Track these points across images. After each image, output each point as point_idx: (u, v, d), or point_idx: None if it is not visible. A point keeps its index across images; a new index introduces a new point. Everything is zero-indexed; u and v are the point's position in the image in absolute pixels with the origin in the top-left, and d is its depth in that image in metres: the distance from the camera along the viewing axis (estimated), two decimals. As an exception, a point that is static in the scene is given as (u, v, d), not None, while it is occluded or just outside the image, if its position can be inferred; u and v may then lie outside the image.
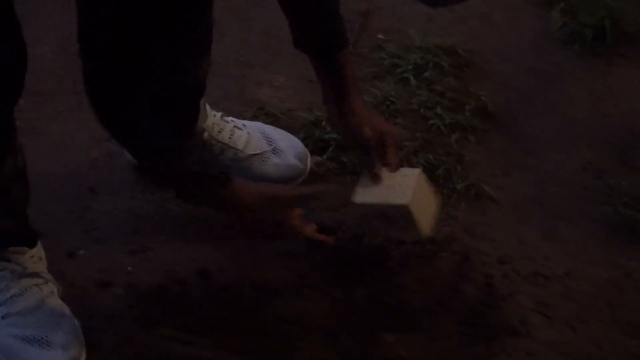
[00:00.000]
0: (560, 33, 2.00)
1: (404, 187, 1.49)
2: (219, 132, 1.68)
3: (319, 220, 1.66)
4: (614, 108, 1.88)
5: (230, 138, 1.68)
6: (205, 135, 1.66)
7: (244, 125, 1.72)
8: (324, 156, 1.77)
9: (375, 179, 1.51)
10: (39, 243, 1.50)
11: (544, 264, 1.62)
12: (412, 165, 1.72)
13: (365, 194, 1.51)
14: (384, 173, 1.52)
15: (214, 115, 1.69)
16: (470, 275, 1.60)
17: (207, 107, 1.67)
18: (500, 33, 2.03)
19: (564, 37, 2.00)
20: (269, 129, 1.74)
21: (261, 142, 1.70)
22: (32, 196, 1.45)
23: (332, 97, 1.54)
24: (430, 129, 1.81)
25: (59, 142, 1.76)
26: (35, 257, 1.49)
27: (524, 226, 1.68)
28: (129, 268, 1.60)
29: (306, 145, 1.74)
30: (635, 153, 1.79)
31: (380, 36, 2.01)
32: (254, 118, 1.82)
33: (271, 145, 1.70)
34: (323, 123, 1.79)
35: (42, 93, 1.84)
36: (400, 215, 1.48)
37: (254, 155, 1.69)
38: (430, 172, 1.73)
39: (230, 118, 1.72)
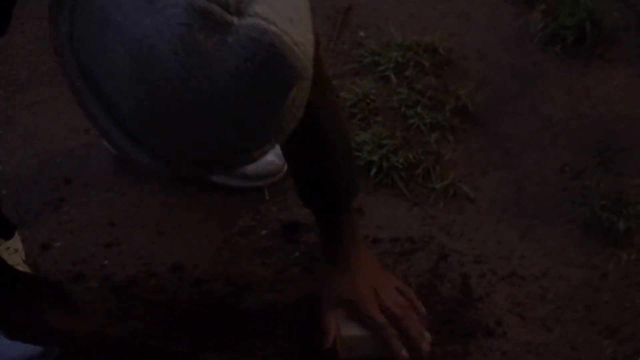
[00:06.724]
0: (541, 34, 2.00)
1: None
2: None
3: (294, 217, 1.66)
4: (592, 109, 1.88)
5: None
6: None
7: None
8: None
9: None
10: (16, 234, 1.49)
11: (520, 264, 1.63)
12: (391, 166, 1.72)
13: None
14: None
15: None
16: (447, 274, 1.60)
17: None
18: (480, 32, 2.03)
19: (544, 38, 2.00)
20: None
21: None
22: (6, 187, 1.43)
23: (327, 254, 1.48)
24: (410, 128, 1.80)
25: (33, 132, 1.74)
26: (11, 248, 1.47)
27: (501, 226, 1.68)
28: (105, 261, 1.58)
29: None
30: (613, 155, 1.80)
31: (361, 34, 2.01)
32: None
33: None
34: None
35: (17, 83, 1.82)
36: None
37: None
38: (409, 172, 1.73)
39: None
